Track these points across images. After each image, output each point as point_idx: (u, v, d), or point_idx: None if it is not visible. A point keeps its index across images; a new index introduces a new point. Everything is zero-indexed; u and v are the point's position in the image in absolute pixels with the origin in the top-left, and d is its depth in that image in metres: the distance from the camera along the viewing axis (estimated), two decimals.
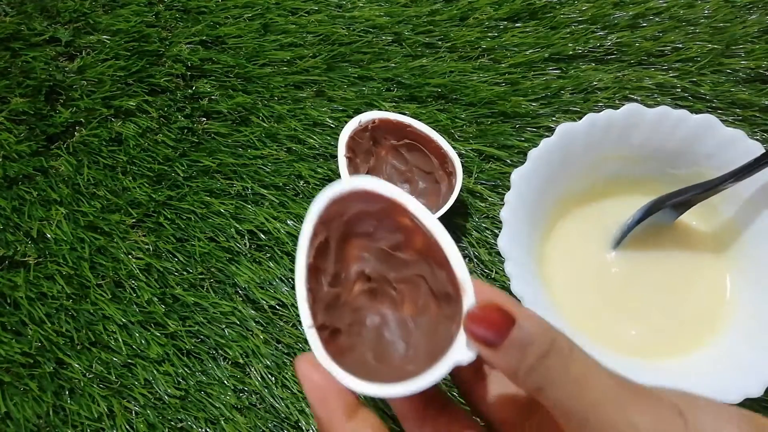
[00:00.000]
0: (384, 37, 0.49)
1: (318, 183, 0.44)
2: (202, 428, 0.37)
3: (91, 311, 0.40)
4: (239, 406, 0.37)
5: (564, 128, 0.36)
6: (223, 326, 0.40)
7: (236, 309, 0.40)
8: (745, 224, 0.36)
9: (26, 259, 0.42)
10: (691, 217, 0.38)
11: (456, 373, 0.24)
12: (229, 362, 0.39)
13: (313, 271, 0.25)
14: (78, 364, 0.39)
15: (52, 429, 0.37)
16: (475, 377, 0.24)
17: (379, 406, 0.27)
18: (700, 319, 0.36)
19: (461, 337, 0.21)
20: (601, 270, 0.37)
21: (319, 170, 0.44)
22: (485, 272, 0.40)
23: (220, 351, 0.39)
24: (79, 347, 0.39)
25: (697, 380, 0.31)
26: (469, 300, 0.21)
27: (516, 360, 0.18)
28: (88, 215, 0.43)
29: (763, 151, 0.34)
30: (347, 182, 0.25)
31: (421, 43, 0.49)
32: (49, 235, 0.43)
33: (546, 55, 0.47)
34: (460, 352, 0.20)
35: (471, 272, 0.28)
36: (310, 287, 0.24)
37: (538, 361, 0.18)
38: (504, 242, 0.34)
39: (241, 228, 0.43)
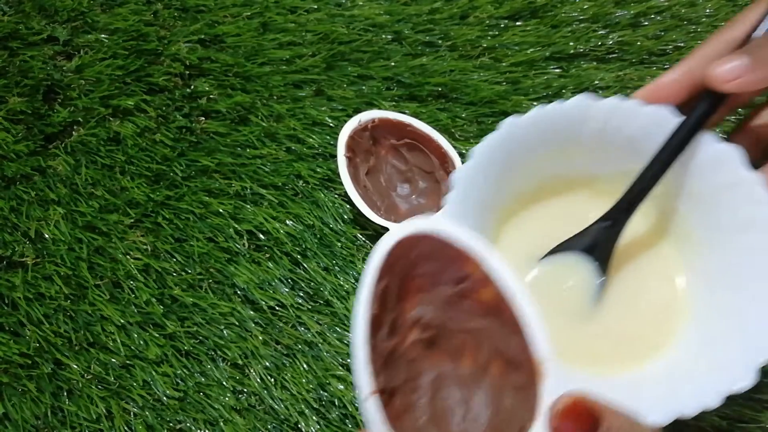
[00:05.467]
0: (384, 36, 0.49)
1: (317, 183, 0.44)
2: (201, 430, 0.37)
3: (90, 312, 0.40)
4: (238, 408, 0.37)
5: (509, 122, 0.32)
6: (222, 327, 0.40)
7: (235, 310, 0.40)
8: (696, 222, 0.33)
9: (24, 259, 0.42)
10: (639, 217, 0.34)
11: None
12: (228, 363, 0.39)
13: (374, 325, 0.22)
14: (76, 365, 0.39)
15: (51, 430, 0.37)
16: None
17: None
18: (653, 325, 0.33)
19: (538, 430, 0.20)
20: (546, 277, 0.34)
21: (318, 170, 0.44)
22: None
23: (219, 352, 0.39)
24: (77, 348, 0.39)
25: (652, 392, 0.29)
26: (550, 387, 0.20)
27: None
28: (86, 215, 0.43)
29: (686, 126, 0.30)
30: (416, 224, 0.23)
31: (421, 41, 0.49)
32: (47, 236, 0.43)
33: (547, 53, 0.47)
34: None
35: None
36: (373, 344, 0.21)
37: None
38: None
39: (240, 228, 0.42)
